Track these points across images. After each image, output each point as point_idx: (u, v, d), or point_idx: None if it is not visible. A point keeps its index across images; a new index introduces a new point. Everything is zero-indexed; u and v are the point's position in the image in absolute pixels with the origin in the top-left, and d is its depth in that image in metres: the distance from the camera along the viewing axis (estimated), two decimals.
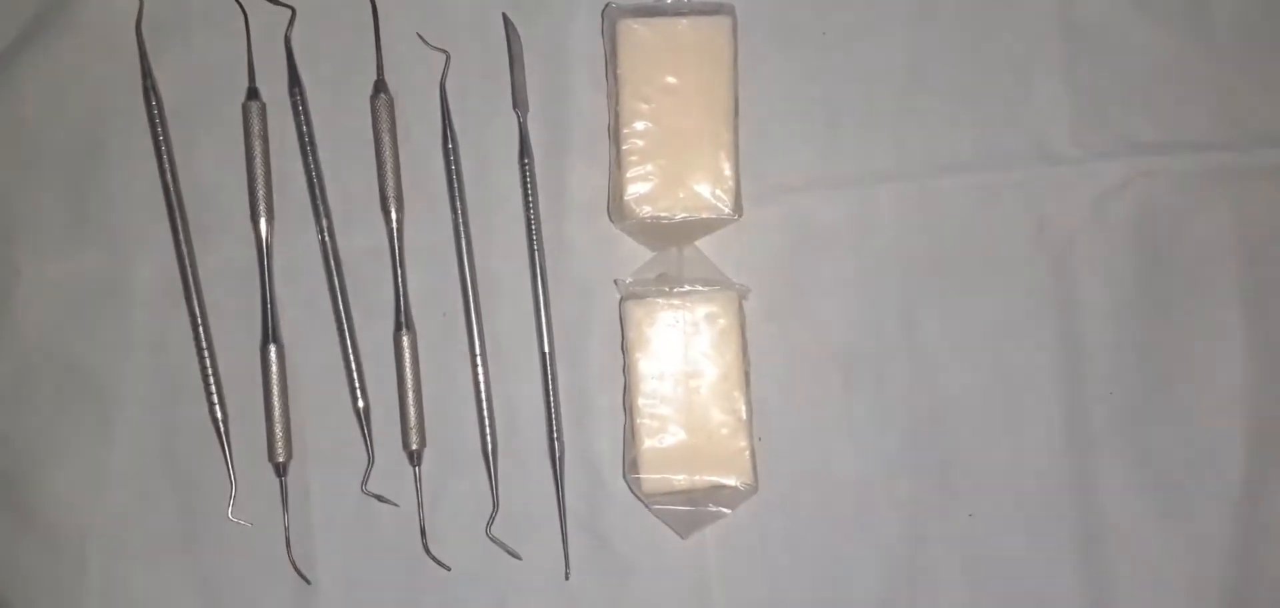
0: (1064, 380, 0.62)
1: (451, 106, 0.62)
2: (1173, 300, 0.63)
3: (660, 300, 0.59)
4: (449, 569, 0.61)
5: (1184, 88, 0.63)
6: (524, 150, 0.61)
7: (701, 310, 0.59)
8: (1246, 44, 0.63)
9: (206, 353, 0.61)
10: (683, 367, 0.58)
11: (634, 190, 0.58)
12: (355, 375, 0.61)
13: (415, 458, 0.61)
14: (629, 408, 0.59)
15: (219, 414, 0.61)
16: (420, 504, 0.61)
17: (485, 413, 0.61)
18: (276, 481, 0.61)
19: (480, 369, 0.61)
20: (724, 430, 0.58)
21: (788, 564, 0.62)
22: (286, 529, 0.61)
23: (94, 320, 0.62)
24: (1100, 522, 0.62)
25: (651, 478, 0.58)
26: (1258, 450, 0.62)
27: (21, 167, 0.63)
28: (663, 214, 0.58)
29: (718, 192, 0.58)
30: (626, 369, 0.59)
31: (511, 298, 0.62)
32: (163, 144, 0.61)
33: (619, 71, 0.58)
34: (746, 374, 0.59)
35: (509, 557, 0.61)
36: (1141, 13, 0.63)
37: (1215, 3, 0.63)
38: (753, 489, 0.58)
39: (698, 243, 0.61)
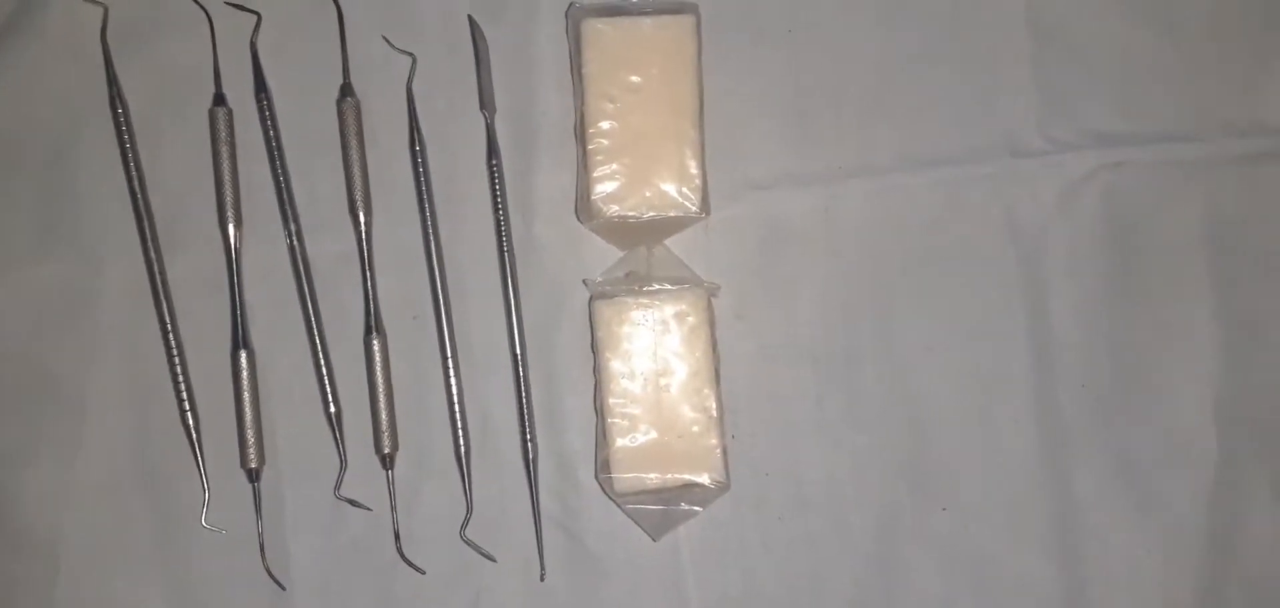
0: (1035, 373, 0.62)
1: (418, 109, 0.62)
2: (1143, 292, 0.63)
3: (630, 299, 0.59)
4: (423, 572, 0.61)
5: (1150, 79, 0.63)
6: (491, 151, 0.61)
7: (671, 309, 0.59)
8: (1212, 35, 0.63)
9: (177, 359, 0.61)
10: (653, 366, 0.58)
11: (601, 190, 0.58)
12: (326, 380, 0.61)
13: (388, 462, 0.61)
14: (600, 408, 0.59)
15: (190, 420, 0.61)
16: (394, 508, 0.61)
17: (457, 415, 0.61)
18: (249, 486, 0.61)
19: (451, 371, 0.61)
20: (695, 428, 0.58)
21: (762, 560, 0.62)
22: (260, 535, 0.61)
23: (63, 327, 0.62)
24: (1073, 514, 0.62)
25: (624, 478, 0.58)
26: (1230, 441, 0.62)
27: None
28: (630, 213, 0.58)
29: (685, 190, 0.58)
30: (597, 369, 0.59)
31: (481, 299, 0.62)
32: (130, 150, 0.61)
33: (584, 71, 0.58)
34: (717, 372, 0.59)
35: (483, 559, 0.61)
36: (1107, 5, 0.63)
37: None
38: (725, 487, 0.58)
39: (666, 241, 0.61)
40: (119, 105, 0.61)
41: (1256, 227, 0.63)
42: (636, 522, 0.60)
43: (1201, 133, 0.63)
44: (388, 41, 0.62)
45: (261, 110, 0.61)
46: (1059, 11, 0.63)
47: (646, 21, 0.58)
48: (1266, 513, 0.62)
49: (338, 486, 0.61)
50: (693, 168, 0.58)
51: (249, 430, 0.60)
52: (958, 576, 0.62)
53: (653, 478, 0.58)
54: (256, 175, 0.62)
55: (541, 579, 0.61)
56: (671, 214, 0.58)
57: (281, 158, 0.62)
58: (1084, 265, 0.63)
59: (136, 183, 0.61)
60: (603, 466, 0.59)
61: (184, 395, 0.61)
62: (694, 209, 0.58)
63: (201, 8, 0.62)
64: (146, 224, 0.61)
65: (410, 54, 0.62)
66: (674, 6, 0.59)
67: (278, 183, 0.61)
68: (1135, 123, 0.63)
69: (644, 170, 0.58)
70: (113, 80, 0.61)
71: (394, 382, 0.61)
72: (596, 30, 0.58)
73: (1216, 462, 0.62)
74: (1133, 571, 0.62)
